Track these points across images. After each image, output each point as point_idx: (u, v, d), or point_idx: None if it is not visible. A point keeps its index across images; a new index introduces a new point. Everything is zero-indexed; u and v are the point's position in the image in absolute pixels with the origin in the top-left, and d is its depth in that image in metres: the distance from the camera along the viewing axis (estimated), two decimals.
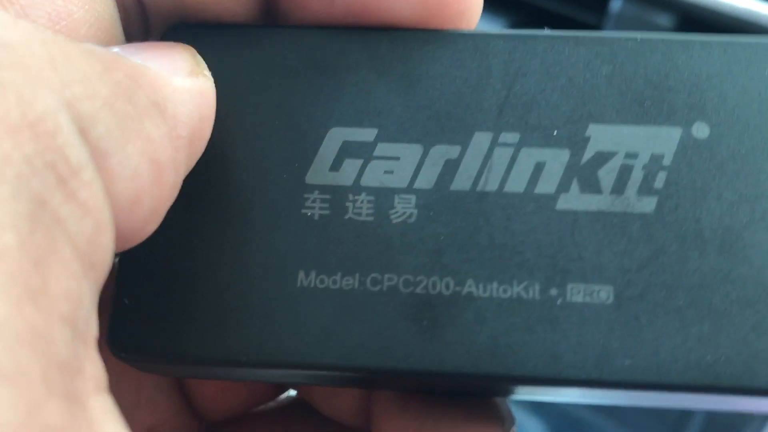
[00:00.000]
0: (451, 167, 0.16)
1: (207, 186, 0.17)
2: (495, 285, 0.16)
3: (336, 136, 0.17)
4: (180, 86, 0.15)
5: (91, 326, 0.12)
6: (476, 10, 0.17)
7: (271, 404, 0.23)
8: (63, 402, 0.10)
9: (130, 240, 0.14)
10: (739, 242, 0.15)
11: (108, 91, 0.13)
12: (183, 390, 0.21)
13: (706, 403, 0.16)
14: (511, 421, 0.19)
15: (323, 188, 0.17)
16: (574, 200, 0.16)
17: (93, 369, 0.11)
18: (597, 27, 0.47)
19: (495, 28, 0.47)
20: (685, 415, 0.52)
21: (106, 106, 0.12)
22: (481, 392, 0.18)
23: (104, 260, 0.12)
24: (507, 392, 0.18)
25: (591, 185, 0.16)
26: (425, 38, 0.17)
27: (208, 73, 0.16)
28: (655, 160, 0.16)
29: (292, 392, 0.23)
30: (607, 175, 0.16)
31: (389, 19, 0.17)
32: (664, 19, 0.44)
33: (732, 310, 0.15)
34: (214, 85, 0.16)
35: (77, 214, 0.11)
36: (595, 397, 0.16)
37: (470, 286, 0.16)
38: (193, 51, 0.16)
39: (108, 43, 0.16)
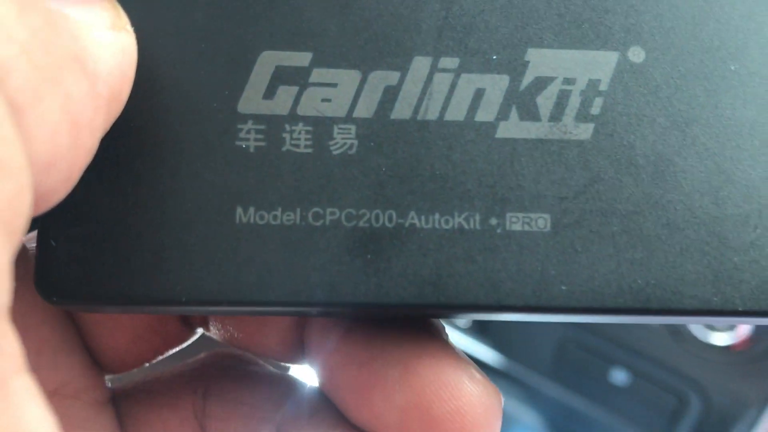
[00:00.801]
0: (390, 94, 0.16)
1: (134, 118, 0.16)
2: (437, 216, 0.16)
3: (268, 61, 0.16)
4: (102, 40, 0.14)
5: (3, 297, 0.11)
6: None
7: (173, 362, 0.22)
8: None
9: (40, 206, 0.13)
10: (670, 168, 0.16)
11: (25, 36, 0.12)
12: (87, 346, 0.20)
13: (638, 321, 0.17)
14: (445, 332, 0.19)
15: (257, 118, 0.16)
16: (514, 128, 0.16)
17: (10, 346, 0.11)
18: None
19: None
20: (681, 406, 0.55)
21: (24, 53, 0.11)
22: (425, 316, 0.19)
23: (21, 226, 0.11)
24: (451, 317, 0.19)
25: (530, 112, 0.16)
26: None
27: (130, 27, 0.15)
28: (593, 85, 0.16)
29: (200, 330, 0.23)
30: (545, 101, 0.16)
31: None
32: None
33: (662, 236, 0.16)
34: (135, 41, 0.15)
35: None
36: (535, 318, 0.17)
37: (413, 218, 0.16)
38: (114, 2, 0.15)
39: None
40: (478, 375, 0.18)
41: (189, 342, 0.22)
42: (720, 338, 0.53)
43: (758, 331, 0.51)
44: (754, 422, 0.51)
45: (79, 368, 0.20)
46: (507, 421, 0.65)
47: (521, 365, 0.62)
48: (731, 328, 0.52)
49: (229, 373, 0.22)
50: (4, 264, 0.11)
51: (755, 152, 0.16)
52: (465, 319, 0.60)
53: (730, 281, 0.16)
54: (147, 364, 0.21)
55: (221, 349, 0.22)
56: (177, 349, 0.22)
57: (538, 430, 0.64)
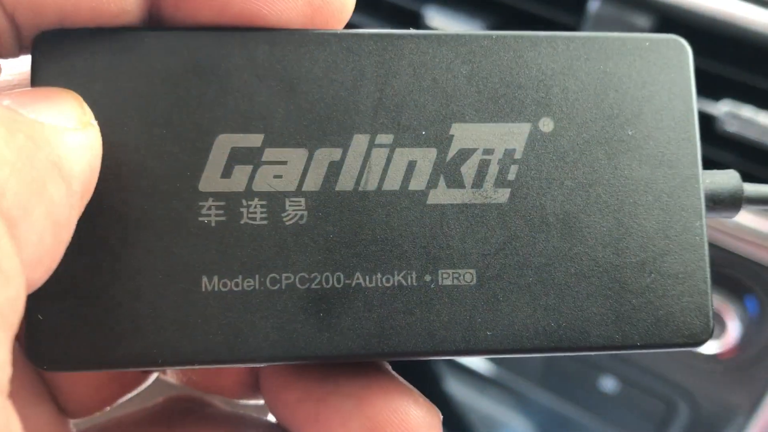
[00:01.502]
0: (334, 169, 0.19)
1: (105, 199, 0.18)
2: (379, 275, 0.19)
3: (224, 143, 0.19)
4: (72, 142, 0.16)
5: (4, 383, 0.13)
6: (350, 10, 0.19)
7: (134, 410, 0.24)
8: None
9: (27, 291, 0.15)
10: (576, 224, 0.19)
11: (14, 156, 0.14)
12: (53, 395, 0.22)
13: (552, 355, 0.20)
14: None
15: (217, 195, 0.19)
16: (442, 195, 0.19)
17: (16, 427, 0.13)
18: (574, 28, 0.47)
19: (473, 28, 0.46)
20: (669, 413, 0.57)
21: (14, 173, 0.13)
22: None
23: (18, 317, 0.14)
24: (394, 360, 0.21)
25: (455, 181, 0.19)
26: (301, 40, 0.19)
27: (94, 121, 0.17)
28: (509, 154, 0.19)
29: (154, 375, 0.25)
30: (468, 170, 0.19)
31: (277, 23, 0.19)
32: (642, 19, 0.45)
33: (571, 284, 0.19)
34: (100, 134, 0.17)
35: (1, 285, 0.13)
36: (465, 358, 0.20)
37: (358, 278, 0.19)
38: (79, 98, 0.17)
39: None
40: (420, 398, 0.21)
41: (145, 386, 0.24)
42: (708, 346, 0.54)
43: (745, 339, 0.52)
44: (741, 429, 0.53)
45: (47, 416, 0.22)
46: (498, 428, 0.67)
47: (511, 373, 0.64)
48: (718, 336, 0.54)
49: (188, 416, 0.24)
50: (4, 356, 0.13)
51: (650, 207, 0.19)
52: None
53: (629, 321, 0.19)
54: (108, 408, 0.23)
55: (179, 392, 0.25)
56: (134, 393, 0.24)
57: None
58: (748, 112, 0.44)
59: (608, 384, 0.59)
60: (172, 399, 0.25)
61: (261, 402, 0.24)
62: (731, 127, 0.44)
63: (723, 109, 0.45)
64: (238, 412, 0.24)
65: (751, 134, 0.44)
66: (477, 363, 0.64)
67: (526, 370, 0.63)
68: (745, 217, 0.46)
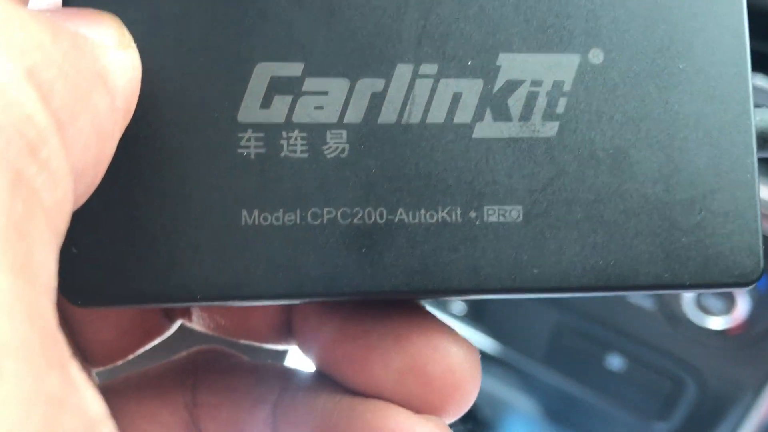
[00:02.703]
0: (377, 100, 0.19)
1: (141, 130, 0.18)
2: (422, 211, 0.19)
3: (263, 72, 0.19)
4: (114, 58, 0.16)
5: (53, 293, 0.13)
6: None
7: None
8: (59, 372, 0.12)
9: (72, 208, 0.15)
10: (626, 160, 0.19)
11: (60, 58, 0.14)
12: (75, 341, 0.22)
13: (600, 295, 0.20)
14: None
15: (256, 126, 0.19)
16: (488, 129, 0.19)
17: (62, 335, 0.13)
18: None
19: None
20: (677, 391, 0.57)
21: (61, 74, 0.14)
22: (414, 299, 0.22)
23: (65, 227, 0.14)
24: (437, 299, 0.21)
25: (502, 113, 0.19)
26: None
27: (133, 44, 0.17)
28: (557, 86, 0.19)
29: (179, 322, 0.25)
30: (515, 103, 0.19)
31: None
32: None
33: (620, 221, 0.19)
34: (138, 56, 0.17)
35: (50, 184, 0.13)
36: (511, 297, 0.20)
37: (401, 214, 0.19)
38: (118, 20, 0.17)
39: None
40: (460, 337, 0.21)
41: (169, 333, 0.24)
42: (716, 322, 0.55)
43: (754, 315, 0.53)
44: (750, 406, 0.54)
45: None
46: (503, 407, 0.67)
47: (517, 352, 0.64)
48: (727, 312, 0.54)
49: (215, 366, 0.24)
50: (53, 263, 0.13)
51: (700, 143, 0.19)
52: (453, 301, 0.62)
53: (678, 259, 0.19)
54: (131, 356, 0.23)
55: (205, 346, 0.25)
56: (158, 340, 0.24)
57: (534, 417, 0.67)
58: (761, 81, 0.44)
59: (615, 362, 0.60)
60: (196, 351, 0.25)
61: (289, 347, 0.24)
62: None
63: None
64: (263, 362, 0.24)
65: (765, 103, 0.44)
66: (481, 342, 0.64)
67: (531, 349, 0.63)
68: None
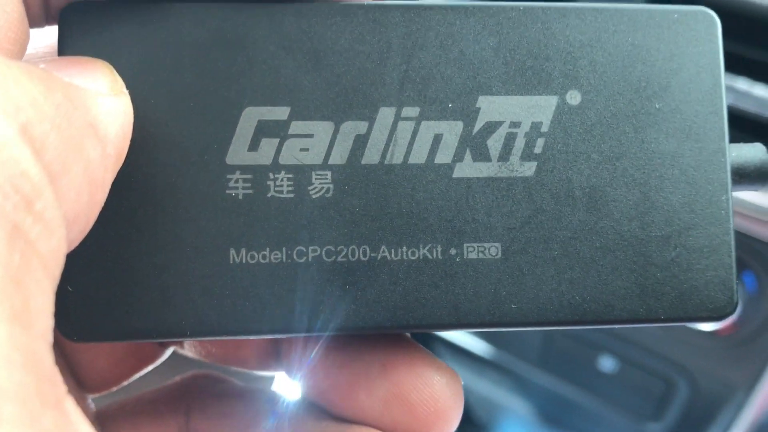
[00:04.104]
0: (360, 142, 0.20)
1: (134, 173, 0.19)
2: (404, 249, 0.19)
3: (251, 116, 0.19)
4: (106, 106, 0.16)
5: (49, 333, 0.14)
6: None
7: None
8: (54, 411, 0.12)
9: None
10: (602, 198, 0.20)
11: (53, 112, 0.14)
12: (71, 370, 0.23)
13: (576, 328, 0.21)
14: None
15: (244, 168, 0.19)
16: (468, 168, 0.20)
17: (59, 374, 0.13)
18: None
19: None
20: (669, 391, 0.58)
21: (54, 128, 0.14)
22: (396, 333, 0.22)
23: (60, 271, 0.14)
24: (419, 332, 0.22)
25: (481, 154, 0.20)
26: (327, 11, 0.20)
27: (125, 90, 0.18)
28: (535, 127, 0.20)
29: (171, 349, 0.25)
30: (494, 143, 0.20)
31: None
32: None
33: (596, 257, 0.20)
34: (131, 102, 0.18)
35: (45, 234, 0.13)
36: (490, 330, 0.20)
37: (384, 252, 0.19)
38: (110, 66, 0.18)
39: (17, 40, 0.17)
40: (443, 365, 0.21)
41: (162, 360, 0.25)
42: (705, 324, 0.56)
43: (743, 316, 0.53)
44: (741, 405, 0.54)
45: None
46: (498, 410, 0.68)
47: (510, 355, 0.64)
48: None
49: (208, 391, 0.25)
50: (50, 307, 0.13)
51: (676, 180, 0.20)
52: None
53: (653, 294, 0.20)
54: (125, 383, 0.24)
55: (198, 371, 0.25)
56: (151, 366, 0.25)
57: (528, 419, 0.67)
58: (743, 84, 0.45)
59: (607, 364, 0.60)
60: (189, 377, 0.25)
61: (278, 373, 0.24)
62: (726, 100, 0.44)
63: None
64: (254, 387, 0.25)
65: (747, 107, 0.45)
66: (475, 345, 0.65)
67: (525, 352, 0.64)
68: (743, 193, 0.47)
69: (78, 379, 0.23)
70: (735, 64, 0.45)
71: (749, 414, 0.54)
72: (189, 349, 0.25)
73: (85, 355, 0.23)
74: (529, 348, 0.63)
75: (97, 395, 0.24)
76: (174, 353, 0.25)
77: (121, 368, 0.24)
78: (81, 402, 0.23)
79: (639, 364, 0.59)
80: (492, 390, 0.67)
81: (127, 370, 0.24)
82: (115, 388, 0.24)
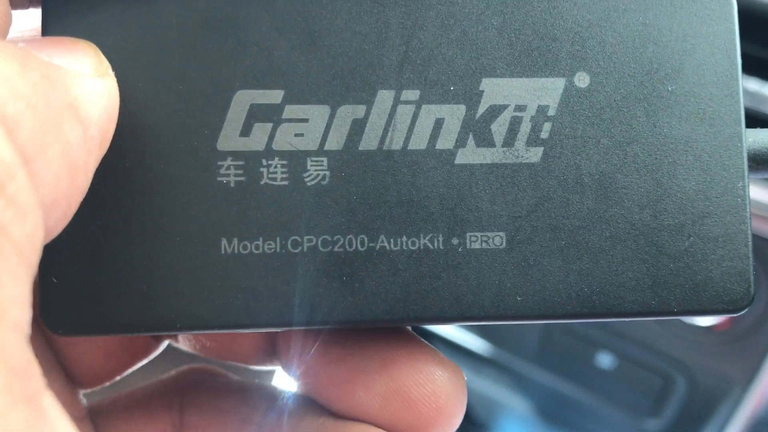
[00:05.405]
0: (358, 127, 0.18)
1: (121, 159, 0.18)
2: (404, 238, 0.18)
3: (242, 100, 0.18)
4: (89, 87, 0.15)
5: (26, 326, 0.12)
6: None
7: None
8: (25, 407, 0.11)
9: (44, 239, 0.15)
10: (612, 185, 0.18)
11: (28, 91, 0.13)
12: (62, 364, 0.22)
13: (585, 321, 0.19)
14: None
15: (236, 154, 0.18)
16: (471, 154, 0.18)
17: (36, 367, 0.12)
18: None
19: None
20: (667, 387, 0.57)
21: (29, 107, 0.13)
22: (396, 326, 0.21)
23: (37, 259, 0.13)
24: (419, 326, 0.21)
25: (485, 139, 0.18)
26: None
27: (111, 72, 0.17)
28: (542, 111, 0.18)
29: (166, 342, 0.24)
30: (499, 128, 0.18)
31: None
32: None
33: (606, 247, 0.18)
34: (117, 84, 0.17)
35: (18, 219, 0.12)
36: (495, 324, 0.19)
37: (382, 241, 0.18)
38: (95, 48, 0.17)
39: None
40: (445, 359, 0.20)
41: (156, 354, 0.24)
42: (702, 319, 0.54)
43: None
44: (739, 400, 0.53)
45: (57, 387, 0.21)
46: (496, 407, 0.67)
47: (508, 352, 0.64)
48: None
49: (203, 386, 0.23)
50: (26, 296, 0.12)
51: (689, 166, 0.19)
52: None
53: (666, 286, 0.18)
54: (118, 377, 0.23)
55: (193, 365, 0.24)
56: (145, 361, 0.23)
57: (527, 416, 0.66)
58: (754, 84, 0.44)
59: (605, 360, 0.59)
60: (184, 371, 0.24)
61: (274, 368, 0.23)
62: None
63: None
64: (250, 381, 0.24)
65: (758, 107, 0.43)
66: (473, 342, 0.64)
67: (523, 349, 0.63)
68: None
69: (69, 374, 0.22)
70: (746, 65, 0.44)
71: (747, 409, 0.53)
72: (183, 342, 0.24)
73: (75, 349, 0.22)
74: (528, 345, 0.62)
75: (89, 390, 0.23)
76: (169, 347, 0.24)
77: (114, 363, 0.22)
78: (71, 397, 0.22)
79: (637, 360, 0.58)
80: (490, 387, 0.66)
81: (120, 364, 0.23)
82: (108, 383, 0.23)
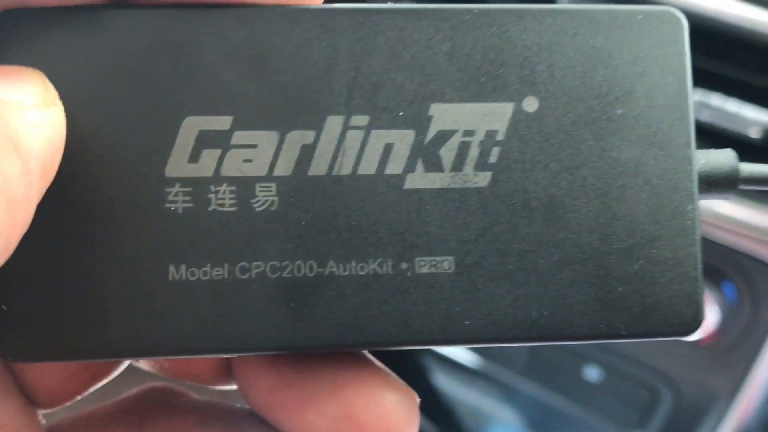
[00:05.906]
0: (307, 152, 0.18)
1: (69, 185, 0.17)
2: (353, 264, 0.18)
3: (191, 126, 0.18)
4: (32, 119, 0.15)
5: None
6: None
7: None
8: None
9: None
10: (561, 209, 0.18)
11: None
12: (20, 386, 0.21)
13: (534, 345, 0.19)
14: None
15: (184, 181, 0.18)
16: (420, 179, 0.18)
17: None
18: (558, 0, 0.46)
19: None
20: (653, 400, 0.57)
21: None
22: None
23: None
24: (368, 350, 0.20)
25: (434, 164, 0.18)
26: (272, 16, 0.18)
27: (58, 101, 0.16)
28: (490, 136, 0.18)
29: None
30: (447, 153, 0.18)
31: None
32: None
33: (554, 271, 0.18)
34: (64, 114, 0.16)
35: None
36: (443, 347, 0.19)
37: (331, 267, 0.18)
38: (42, 76, 0.16)
39: None
40: (397, 382, 0.20)
41: (115, 374, 0.23)
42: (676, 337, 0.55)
43: (723, 325, 0.53)
44: (723, 413, 0.53)
45: (15, 408, 0.21)
46: (485, 419, 0.67)
47: (497, 364, 0.63)
48: None
49: (162, 405, 0.23)
50: None
51: (639, 190, 0.18)
52: None
53: (615, 309, 0.18)
54: (78, 397, 0.23)
55: (154, 384, 0.24)
56: (105, 381, 0.23)
57: (516, 428, 0.66)
58: (717, 100, 0.44)
59: (592, 373, 0.59)
60: (145, 390, 0.24)
61: (235, 387, 0.23)
62: (702, 117, 0.43)
63: (694, 98, 0.44)
64: (211, 401, 0.24)
65: (721, 123, 0.44)
66: (463, 355, 0.64)
67: (512, 361, 0.63)
68: (722, 204, 0.46)
69: (28, 395, 0.22)
70: (709, 81, 0.44)
71: (732, 421, 0.53)
72: (143, 362, 0.23)
73: (33, 370, 0.21)
74: (516, 358, 0.62)
75: (48, 411, 0.22)
76: (130, 366, 0.24)
77: (73, 383, 0.22)
78: (30, 418, 0.21)
79: (623, 373, 0.58)
80: (480, 399, 0.66)
81: (80, 385, 0.22)
82: (68, 403, 0.23)
